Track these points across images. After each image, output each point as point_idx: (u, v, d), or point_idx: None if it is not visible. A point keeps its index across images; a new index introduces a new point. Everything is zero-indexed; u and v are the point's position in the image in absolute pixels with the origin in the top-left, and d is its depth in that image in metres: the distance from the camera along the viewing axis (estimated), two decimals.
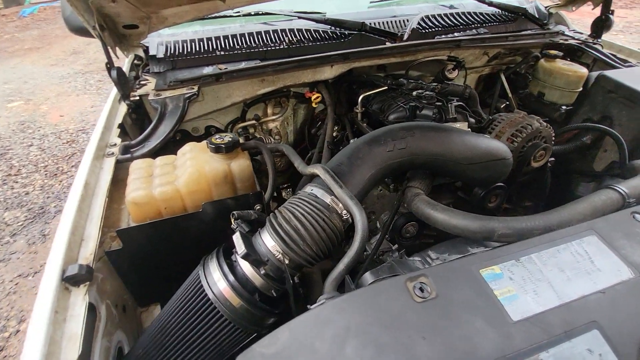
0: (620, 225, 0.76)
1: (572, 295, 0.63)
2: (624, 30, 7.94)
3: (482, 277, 0.65)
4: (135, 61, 1.66)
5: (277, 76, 1.58)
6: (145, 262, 0.97)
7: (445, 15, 1.84)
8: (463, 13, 1.87)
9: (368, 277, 0.70)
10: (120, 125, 1.33)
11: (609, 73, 1.59)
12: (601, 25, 1.87)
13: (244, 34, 1.62)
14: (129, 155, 1.18)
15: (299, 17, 1.69)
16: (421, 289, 0.63)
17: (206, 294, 0.82)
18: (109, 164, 1.12)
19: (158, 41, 1.61)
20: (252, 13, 1.69)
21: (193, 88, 1.44)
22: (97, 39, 1.29)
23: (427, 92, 1.40)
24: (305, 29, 1.66)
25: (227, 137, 1.04)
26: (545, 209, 1.66)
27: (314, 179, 0.96)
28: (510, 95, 1.88)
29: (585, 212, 0.83)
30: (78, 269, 0.75)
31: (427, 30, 1.76)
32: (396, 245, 0.86)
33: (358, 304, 0.61)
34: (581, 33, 1.98)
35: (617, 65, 1.75)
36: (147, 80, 1.51)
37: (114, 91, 1.48)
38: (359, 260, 0.81)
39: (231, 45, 1.58)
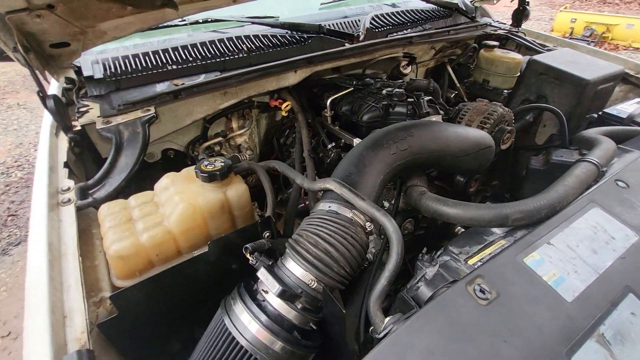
0: (611, 194, 0.85)
1: (602, 266, 0.69)
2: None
3: (528, 266, 0.68)
4: (65, 84, 1.39)
5: (240, 87, 1.47)
6: (148, 325, 0.81)
7: (393, 13, 1.90)
8: (407, 11, 1.95)
9: (425, 290, 0.68)
10: (66, 164, 1.11)
11: (538, 57, 1.80)
12: (520, 15, 2.12)
13: (195, 44, 1.47)
14: (90, 200, 0.99)
15: (252, 23, 1.59)
16: (482, 291, 0.63)
17: (238, 342, 0.72)
18: (68, 214, 0.92)
19: (91, 59, 1.38)
20: (200, 21, 1.54)
21: (149, 110, 1.26)
22: (19, 63, 1.05)
23: (397, 90, 1.43)
24: (261, 35, 1.57)
25: (218, 162, 0.93)
26: (510, 184, 1.83)
27: (325, 193, 0.91)
28: (457, 84, 2.03)
29: (575, 186, 0.92)
30: (77, 358, 0.59)
31: (380, 29, 1.79)
32: (425, 249, 0.85)
33: (430, 322, 0.59)
34: (504, 23, 2.22)
35: (539, 50, 2.00)
36: (87, 106, 1.28)
37: (46, 123, 1.22)
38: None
39: (184, 57, 1.42)
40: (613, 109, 1.59)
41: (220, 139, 1.54)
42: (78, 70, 1.36)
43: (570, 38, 6.83)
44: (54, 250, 0.80)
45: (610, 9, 8.68)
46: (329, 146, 1.50)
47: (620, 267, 0.70)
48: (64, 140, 1.20)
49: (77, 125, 1.22)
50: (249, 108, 1.64)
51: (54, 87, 1.34)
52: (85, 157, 1.29)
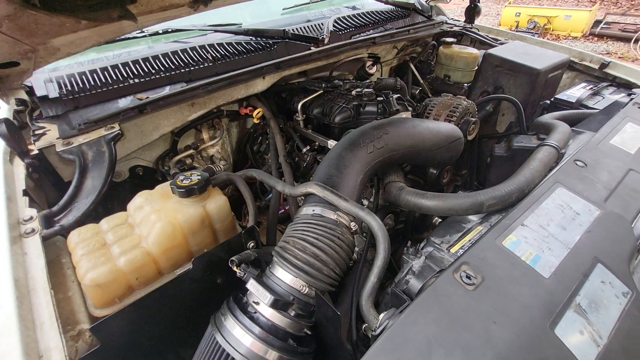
0: (572, 173, 0.92)
1: (572, 241, 0.74)
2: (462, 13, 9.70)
3: (507, 248, 0.71)
4: (16, 106, 1.29)
5: (208, 97, 1.44)
6: (134, 352, 0.77)
7: (354, 15, 1.94)
8: (368, 12, 2.00)
9: (415, 282, 0.69)
10: (26, 192, 1.03)
11: (493, 51, 1.91)
12: (472, 12, 2.24)
13: (157, 55, 1.42)
14: (57, 227, 0.92)
15: (215, 31, 1.57)
16: (468, 277, 0.65)
17: (232, 357, 0.70)
18: (34, 246, 0.85)
19: (44, 78, 1.29)
20: (161, 31, 1.49)
21: (113, 127, 1.20)
22: None
23: (366, 90, 1.46)
24: (226, 43, 1.54)
25: (195, 175, 0.90)
26: (477, 172, 1.91)
27: (307, 198, 0.91)
28: (421, 81, 2.11)
29: (540, 169, 0.98)
30: None
31: (343, 32, 1.83)
32: (409, 242, 0.87)
33: (424, 312, 0.60)
34: (458, 20, 2.33)
35: (492, 44, 2.12)
36: (44, 128, 1.20)
37: None
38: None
39: (146, 70, 1.37)
40: (563, 95, 1.71)
41: (191, 151, 1.50)
42: (30, 91, 1.27)
43: (517, 31, 7.30)
44: (21, 287, 0.74)
45: (549, 2, 9.37)
46: (304, 150, 1.50)
47: (587, 240, 0.75)
48: (20, 167, 1.11)
49: (34, 149, 1.14)
50: (219, 118, 1.61)
51: (3, 110, 1.24)
52: (45, 183, 1.21)
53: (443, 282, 0.64)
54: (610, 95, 1.66)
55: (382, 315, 0.64)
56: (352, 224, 0.85)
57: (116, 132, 1.17)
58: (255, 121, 1.57)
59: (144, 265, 0.82)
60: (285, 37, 1.62)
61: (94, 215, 1.04)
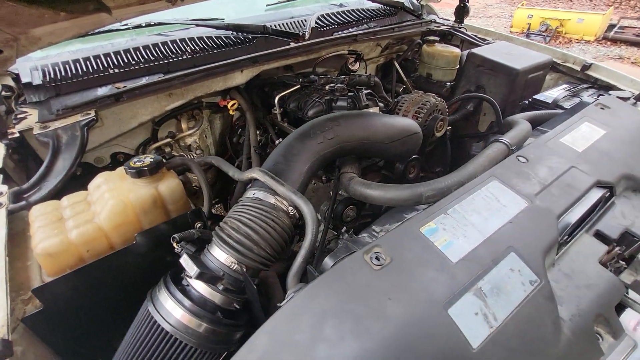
0: (512, 168, 0.94)
1: (491, 230, 0.77)
2: (474, 15, 9.60)
3: (422, 234, 0.75)
4: (4, 92, 1.39)
5: (186, 88, 1.50)
6: (75, 318, 0.84)
7: (339, 13, 1.98)
8: (353, 10, 2.03)
9: (328, 261, 0.73)
10: (1, 170, 1.11)
11: (475, 50, 1.92)
12: (462, 12, 2.24)
13: (138, 47, 1.49)
14: (23, 203, 1.00)
15: (197, 25, 1.63)
16: (377, 258, 0.69)
17: (162, 328, 0.76)
18: None
19: (30, 66, 1.38)
20: (144, 24, 1.56)
21: (89, 113, 1.28)
22: None
23: (339, 85, 1.50)
24: (206, 37, 1.61)
25: (148, 159, 0.96)
26: (452, 170, 1.93)
27: (253, 183, 0.96)
28: (405, 79, 2.12)
29: (484, 164, 1.01)
30: None
31: (325, 28, 1.86)
32: (344, 228, 0.92)
33: (326, 287, 0.64)
34: (448, 20, 2.34)
35: (480, 43, 2.12)
36: (25, 112, 1.28)
37: None
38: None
39: (126, 61, 1.44)
40: (541, 95, 1.71)
41: (169, 139, 1.57)
42: (16, 77, 1.35)
43: (528, 33, 7.18)
44: None
45: (564, 5, 9.16)
46: (277, 142, 1.55)
47: (507, 230, 0.78)
48: (1, 148, 1.20)
49: (15, 131, 1.22)
50: (199, 109, 1.67)
51: None
52: (31, 165, 1.29)
53: (350, 261, 0.68)
54: (589, 97, 1.65)
55: (291, 289, 0.68)
56: (290, 208, 0.89)
57: (90, 118, 1.25)
58: (231, 112, 1.63)
59: (95, 239, 0.89)
60: (265, 32, 1.67)
61: (64, 194, 1.12)
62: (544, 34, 7.00)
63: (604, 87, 1.71)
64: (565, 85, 1.78)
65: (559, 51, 1.93)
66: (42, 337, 0.79)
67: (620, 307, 0.82)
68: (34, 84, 1.33)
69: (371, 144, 1.11)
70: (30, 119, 1.26)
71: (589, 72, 1.77)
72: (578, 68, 1.81)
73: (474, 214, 0.80)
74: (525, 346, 0.64)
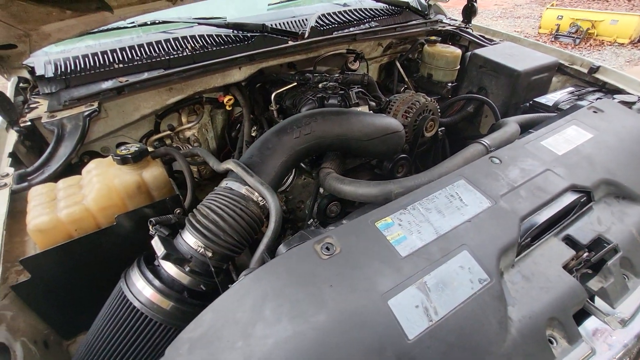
0: (482, 168, 0.94)
1: (446, 228, 0.78)
2: (502, 15, 9.28)
3: (377, 227, 0.77)
4: (22, 84, 1.51)
5: (186, 83, 1.57)
6: (61, 290, 0.92)
7: (340, 12, 2.00)
8: (356, 9, 2.05)
9: (282, 248, 0.77)
10: (12, 154, 1.22)
11: (478, 51, 1.89)
12: (469, 12, 2.21)
13: (142, 44, 1.58)
14: (26, 184, 1.09)
15: (200, 24, 1.70)
16: (327, 248, 0.72)
17: (133, 305, 0.82)
18: (2, 196, 1.03)
19: (45, 60, 1.50)
20: (149, 22, 1.65)
21: (93, 105, 1.37)
22: None
23: (331, 83, 1.53)
24: (207, 35, 1.68)
25: (134, 147, 1.03)
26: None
27: (229, 173, 1.01)
28: (406, 79, 2.12)
29: (458, 163, 1.01)
30: None
31: (325, 28, 1.89)
32: (315, 221, 0.95)
33: (271, 272, 0.68)
34: (456, 20, 2.30)
35: (486, 44, 2.08)
36: (37, 103, 1.39)
37: None
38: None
39: (130, 56, 1.53)
40: (543, 98, 1.66)
41: (168, 132, 1.65)
42: (32, 70, 1.47)
43: (557, 34, 6.89)
44: None
45: (599, 6, 8.70)
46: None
47: (463, 229, 0.78)
48: (13, 134, 1.31)
49: (26, 119, 1.33)
50: (200, 103, 1.75)
51: (7, 85, 1.46)
52: (38, 150, 1.41)
53: (300, 250, 0.71)
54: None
55: (242, 273, 0.72)
56: (260, 199, 0.93)
57: (93, 109, 1.34)
58: (228, 108, 1.69)
59: (82, 219, 0.96)
60: (264, 31, 1.72)
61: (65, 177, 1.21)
62: (573, 35, 6.69)
63: (612, 91, 1.64)
64: (571, 89, 1.72)
65: (566, 53, 1.87)
66: (29, 305, 0.88)
67: (585, 314, 0.81)
68: (46, 76, 1.44)
69: (348, 140, 1.13)
70: (41, 108, 1.37)
71: (597, 75, 1.71)
72: (585, 70, 1.74)
73: (434, 212, 0.81)
74: (465, 342, 0.65)
